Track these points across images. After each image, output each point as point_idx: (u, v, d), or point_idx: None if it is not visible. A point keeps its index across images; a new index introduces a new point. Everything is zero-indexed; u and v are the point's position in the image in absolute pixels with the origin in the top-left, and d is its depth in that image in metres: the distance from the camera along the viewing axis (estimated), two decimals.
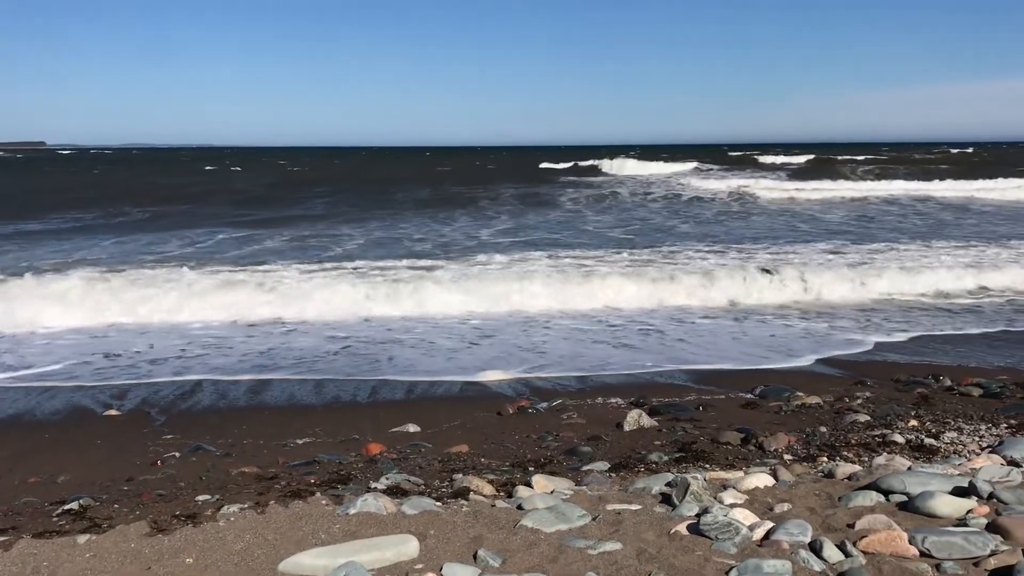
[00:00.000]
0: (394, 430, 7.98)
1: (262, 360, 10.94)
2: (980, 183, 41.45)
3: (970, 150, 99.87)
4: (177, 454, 7.34)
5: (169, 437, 7.93)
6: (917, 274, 15.57)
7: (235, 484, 6.29)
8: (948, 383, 9.33)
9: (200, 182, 55.33)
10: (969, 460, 6.05)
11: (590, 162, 69.82)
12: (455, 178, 56.57)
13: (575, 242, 22.55)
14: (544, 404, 8.84)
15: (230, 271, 16.55)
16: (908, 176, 50.61)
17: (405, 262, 18.18)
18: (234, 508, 5.21)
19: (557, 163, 75.98)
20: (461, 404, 9.01)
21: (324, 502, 5.14)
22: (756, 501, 4.98)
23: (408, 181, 53.60)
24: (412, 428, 8.04)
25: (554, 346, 11.59)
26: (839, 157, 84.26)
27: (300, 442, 7.68)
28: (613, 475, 6.18)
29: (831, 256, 18.66)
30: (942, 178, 45.89)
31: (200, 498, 5.83)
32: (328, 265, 17.79)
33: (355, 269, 17.10)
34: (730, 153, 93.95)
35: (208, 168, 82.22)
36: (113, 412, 8.86)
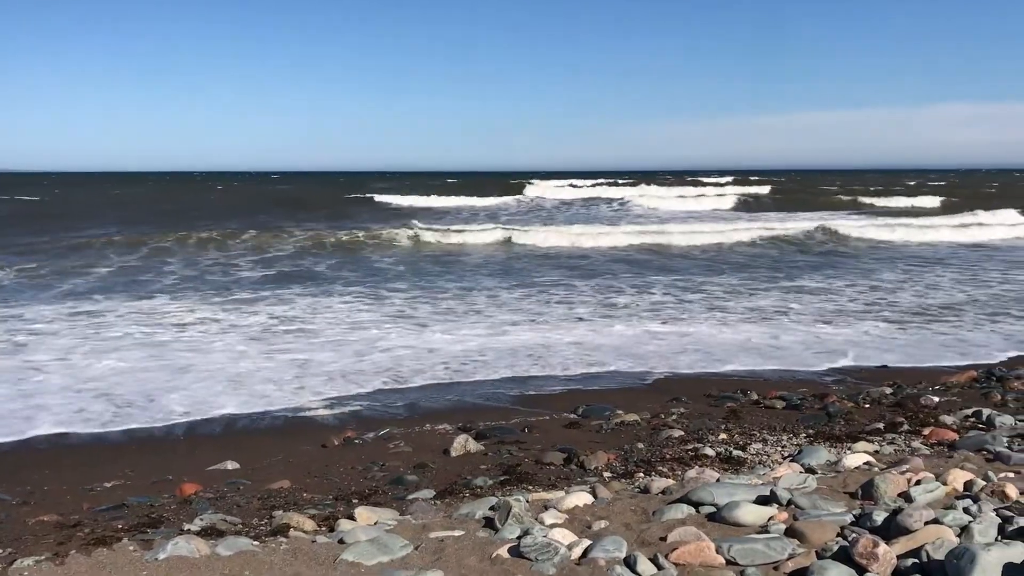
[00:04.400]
0: (211, 468, 7.64)
1: None
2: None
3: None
4: None
5: None
6: None
7: (32, 535, 5.83)
8: (755, 397, 9.79)
9: None
10: (772, 469, 6.37)
11: (383, 197, 62.51)
12: (246, 207, 53.18)
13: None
14: (371, 434, 8.68)
15: None
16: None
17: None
18: (28, 561, 4.80)
19: (364, 192, 70.73)
20: (284, 437, 8.73)
21: (131, 548, 4.82)
22: (575, 520, 5.08)
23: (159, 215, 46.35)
24: (231, 465, 7.72)
25: None
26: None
27: (108, 485, 7.22)
28: (438, 502, 6.14)
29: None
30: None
31: None
32: None
33: None
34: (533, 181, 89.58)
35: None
36: None
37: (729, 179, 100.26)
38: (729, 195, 62.88)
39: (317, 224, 38.55)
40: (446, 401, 10.15)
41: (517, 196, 67.14)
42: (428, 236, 31.84)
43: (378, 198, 62.55)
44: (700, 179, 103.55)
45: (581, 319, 15.57)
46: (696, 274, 22.68)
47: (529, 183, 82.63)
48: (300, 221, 40.62)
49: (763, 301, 17.65)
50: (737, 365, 11.87)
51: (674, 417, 8.93)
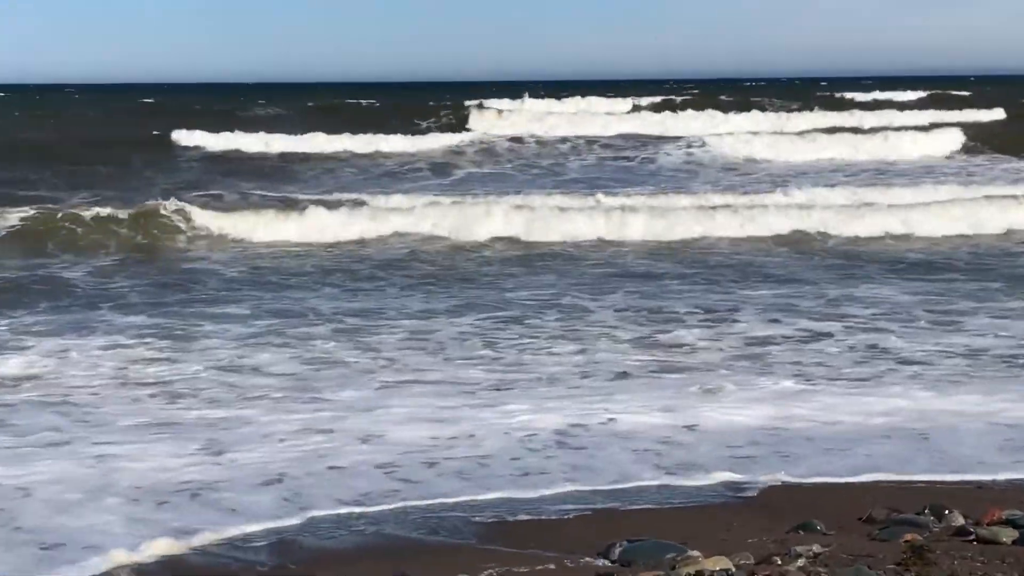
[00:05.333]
0: None
1: None
2: None
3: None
4: None
5: None
6: None
7: None
8: (959, 521, 8.63)
9: None
10: None
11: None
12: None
13: None
14: None
15: None
16: None
17: None
18: None
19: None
20: None
21: None
22: None
23: None
24: None
25: None
26: None
27: None
28: None
29: None
30: None
31: None
32: None
33: None
34: None
35: None
36: None
37: (922, 94, 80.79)
38: (913, 130, 52.42)
39: (73, 188, 33.86)
40: (353, 534, 8.88)
41: (468, 132, 53.46)
42: (289, 220, 27.17)
43: (196, 138, 50.21)
44: (842, 95, 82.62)
45: (624, 374, 13.89)
46: (829, 280, 21.08)
47: (481, 106, 63.03)
48: (36, 183, 35.77)
49: (965, 337, 15.93)
50: (918, 463, 10.60)
51: (801, 563, 7.82)
